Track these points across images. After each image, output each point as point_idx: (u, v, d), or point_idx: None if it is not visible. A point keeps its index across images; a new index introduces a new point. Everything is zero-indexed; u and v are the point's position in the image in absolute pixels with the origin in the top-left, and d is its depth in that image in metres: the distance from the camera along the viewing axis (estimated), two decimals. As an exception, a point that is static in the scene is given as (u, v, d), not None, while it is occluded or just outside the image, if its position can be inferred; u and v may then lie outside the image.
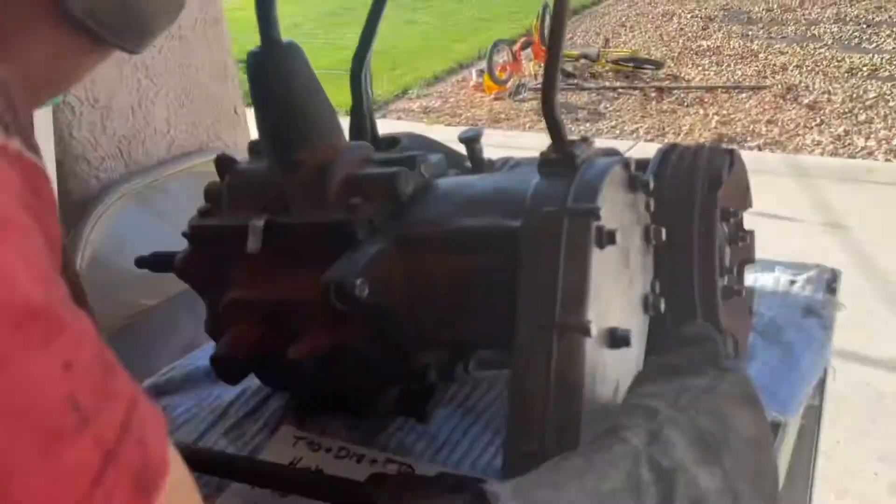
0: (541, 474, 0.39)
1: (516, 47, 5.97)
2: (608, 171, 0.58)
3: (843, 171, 4.19)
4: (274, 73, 0.65)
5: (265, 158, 0.70)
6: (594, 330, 0.53)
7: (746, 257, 0.85)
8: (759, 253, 0.87)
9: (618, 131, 5.06)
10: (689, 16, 8.14)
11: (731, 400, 0.42)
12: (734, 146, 4.64)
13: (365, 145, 0.72)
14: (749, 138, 4.77)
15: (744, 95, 5.54)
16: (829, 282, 0.96)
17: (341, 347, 0.65)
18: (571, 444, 0.51)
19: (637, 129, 5.08)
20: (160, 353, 0.94)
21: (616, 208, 0.59)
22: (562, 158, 0.59)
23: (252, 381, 0.84)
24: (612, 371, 0.57)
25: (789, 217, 3.60)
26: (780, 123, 4.96)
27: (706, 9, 8.39)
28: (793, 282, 0.95)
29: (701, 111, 5.29)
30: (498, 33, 7.17)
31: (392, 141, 0.81)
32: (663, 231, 0.65)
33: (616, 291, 0.58)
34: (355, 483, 0.63)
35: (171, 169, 1.37)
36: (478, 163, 0.79)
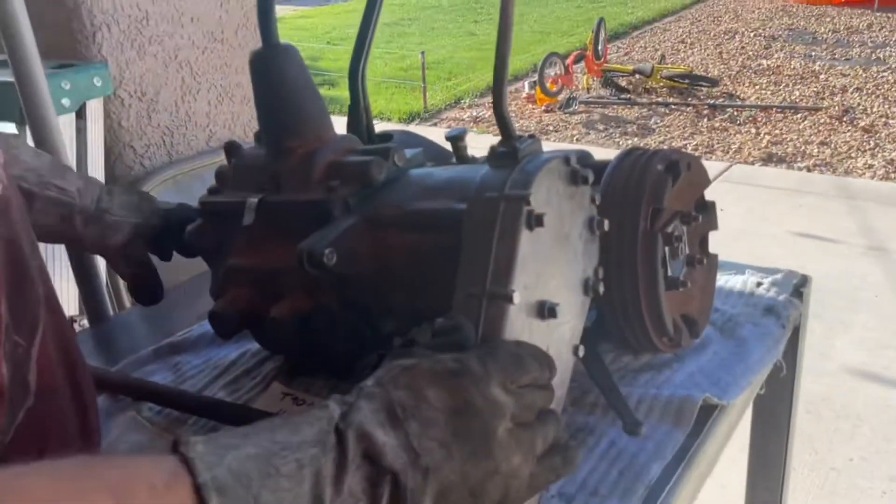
0: (237, 430, 0.44)
1: (569, 60, 6.03)
2: (545, 163, 0.66)
3: (892, 195, 4.12)
4: (270, 73, 0.76)
5: (264, 145, 0.80)
6: (517, 299, 0.61)
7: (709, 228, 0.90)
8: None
9: (665, 147, 5.06)
10: (752, 34, 8.06)
11: (429, 376, 0.50)
12: (784, 165, 4.61)
13: (351, 137, 0.81)
14: (799, 159, 4.73)
15: (799, 116, 5.48)
16: (798, 286, 1.01)
17: (317, 310, 0.75)
18: (489, 393, 0.59)
19: (685, 145, 5.08)
20: (181, 319, 1.06)
21: (553, 197, 0.67)
22: (508, 151, 0.68)
23: (252, 345, 0.94)
24: (540, 338, 0.65)
25: (832, 239, 3.57)
26: (832, 145, 4.90)
27: (770, 28, 8.30)
28: (759, 283, 1.00)
29: (753, 130, 5.26)
30: (554, 47, 7.24)
31: (385, 137, 0.91)
32: (606, 222, 0.73)
33: (550, 270, 0.66)
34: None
35: (210, 160, 1.49)
36: (462, 159, 0.88)
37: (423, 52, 6.42)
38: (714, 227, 0.91)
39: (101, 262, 1.21)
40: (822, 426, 2.30)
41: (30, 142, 1.22)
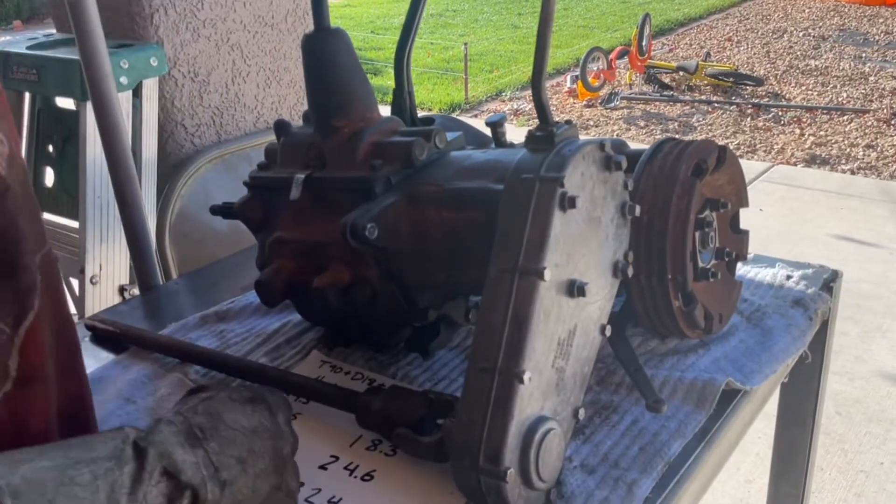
0: (32, 448, 0.45)
1: (612, 56, 6.00)
2: (581, 148, 0.69)
3: (940, 201, 4.04)
4: (321, 54, 0.80)
5: (312, 125, 0.84)
6: (548, 276, 0.64)
7: (738, 252, 0.92)
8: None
9: (707, 145, 5.01)
10: (801, 34, 7.92)
11: (227, 402, 0.56)
12: (827, 167, 4.54)
13: (395, 119, 0.85)
14: (843, 161, 4.65)
15: (845, 118, 5.39)
16: (828, 281, 1.03)
17: (358, 282, 0.79)
18: (517, 364, 0.63)
19: (727, 144, 5.02)
20: (225, 290, 1.11)
21: (587, 181, 0.69)
22: (545, 136, 0.70)
23: (294, 316, 0.99)
24: (569, 315, 0.68)
25: (873, 243, 3.52)
26: (879, 148, 4.81)
27: (821, 28, 8.14)
28: (789, 276, 1.02)
29: (797, 131, 5.18)
30: (597, 41, 7.20)
31: (427, 120, 0.94)
32: (637, 208, 0.75)
33: (580, 251, 0.69)
34: (357, 393, 0.76)
35: (256, 141, 1.54)
36: (501, 144, 0.91)
37: (465, 44, 6.44)
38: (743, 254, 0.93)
39: (152, 234, 1.27)
40: (854, 429, 2.28)
41: (90, 118, 1.28)
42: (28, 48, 1.59)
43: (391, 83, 0.92)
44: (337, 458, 0.73)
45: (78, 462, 0.45)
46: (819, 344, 1.02)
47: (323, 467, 0.72)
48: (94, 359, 0.94)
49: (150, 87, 1.41)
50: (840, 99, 5.81)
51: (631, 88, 6.16)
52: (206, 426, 0.52)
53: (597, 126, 5.49)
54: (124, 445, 0.47)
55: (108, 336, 0.98)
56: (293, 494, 0.58)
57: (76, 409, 0.61)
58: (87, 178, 1.47)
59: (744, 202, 0.93)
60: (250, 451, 0.54)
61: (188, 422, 0.52)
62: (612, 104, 5.76)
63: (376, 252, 0.76)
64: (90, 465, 0.45)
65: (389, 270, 0.78)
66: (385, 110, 0.87)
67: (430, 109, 6.05)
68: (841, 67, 6.61)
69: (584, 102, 5.88)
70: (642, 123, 5.51)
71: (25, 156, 1.73)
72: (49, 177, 1.77)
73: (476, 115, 5.99)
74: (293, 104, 1.62)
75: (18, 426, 0.52)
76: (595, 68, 5.94)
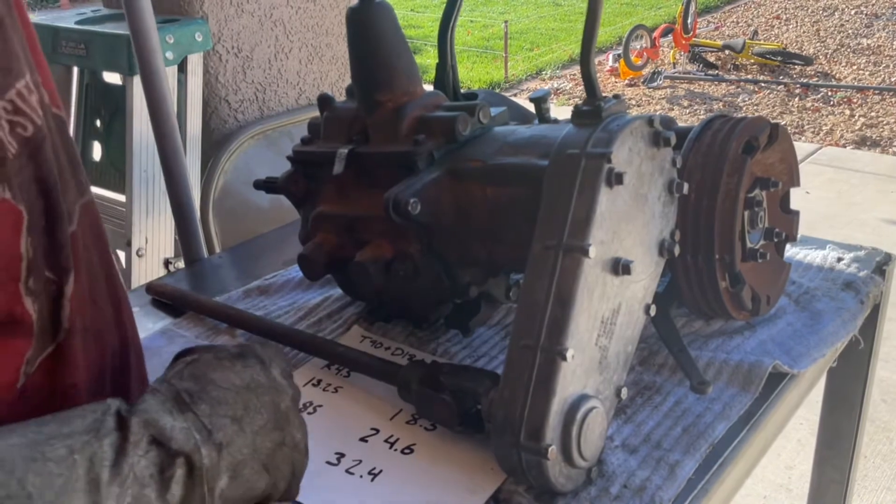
0: (4, 427, 0.43)
1: (656, 34, 5.88)
2: (629, 123, 0.67)
3: None
4: (365, 27, 0.79)
5: (356, 99, 0.84)
6: (593, 253, 0.63)
7: (788, 232, 0.90)
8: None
9: (752, 126, 4.91)
10: (852, 11, 7.68)
11: (213, 362, 0.52)
12: (878, 149, 4.41)
13: (438, 93, 0.84)
14: (895, 143, 4.51)
15: (898, 99, 5.22)
16: (881, 264, 1.00)
17: (399, 257, 0.79)
18: (560, 341, 0.62)
19: (774, 125, 4.91)
20: (267, 264, 1.12)
21: (634, 157, 0.68)
22: (591, 110, 0.69)
23: (335, 291, 0.99)
24: (613, 293, 0.67)
25: (925, 228, 3.42)
26: (933, 130, 4.65)
27: (873, 5, 7.88)
28: (840, 259, 0.99)
29: (847, 112, 5.04)
30: (641, 19, 7.07)
31: (471, 95, 0.93)
32: (685, 185, 0.74)
33: (626, 228, 0.68)
34: (398, 365, 0.76)
35: (298, 117, 1.55)
36: (545, 121, 0.90)
37: (506, 22, 6.38)
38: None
39: (196, 208, 1.29)
40: (900, 417, 2.23)
41: (138, 92, 1.30)
42: (76, 23, 1.61)
43: (430, 61, 0.92)
44: (377, 431, 0.74)
45: (52, 437, 0.42)
46: (870, 329, 1.00)
47: (363, 439, 0.73)
48: (151, 323, 0.97)
49: (195, 63, 1.42)
50: (893, 79, 5.62)
51: (675, 67, 6.05)
52: (194, 389, 0.49)
53: (639, 105, 5.41)
54: (105, 417, 0.44)
55: (167, 301, 1.01)
56: (299, 447, 0.54)
57: (120, 363, 0.60)
58: (134, 153, 1.50)
59: (795, 181, 0.91)
60: (245, 408, 0.50)
61: (174, 388, 0.49)
62: (655, 83, 5.66)
63: (418, 227, 0.76)
64: (65, 440, 0.42)
65: (431, 246, 0.77)
66: (426, 88, 0.86)
67: (469, 88, 6.02)
68: (894, 46, 6.40)
69: (627, 81, 5.79)
70: (686, 103, 5.40)
71: (73, 130, 1.76)
72: (96, 151, 1.80)
73: (516, 94, 5.93)
74: (335, 80, 1.63)
75: (59, 380, 0.51)
76: (638, 46, 5.84)
